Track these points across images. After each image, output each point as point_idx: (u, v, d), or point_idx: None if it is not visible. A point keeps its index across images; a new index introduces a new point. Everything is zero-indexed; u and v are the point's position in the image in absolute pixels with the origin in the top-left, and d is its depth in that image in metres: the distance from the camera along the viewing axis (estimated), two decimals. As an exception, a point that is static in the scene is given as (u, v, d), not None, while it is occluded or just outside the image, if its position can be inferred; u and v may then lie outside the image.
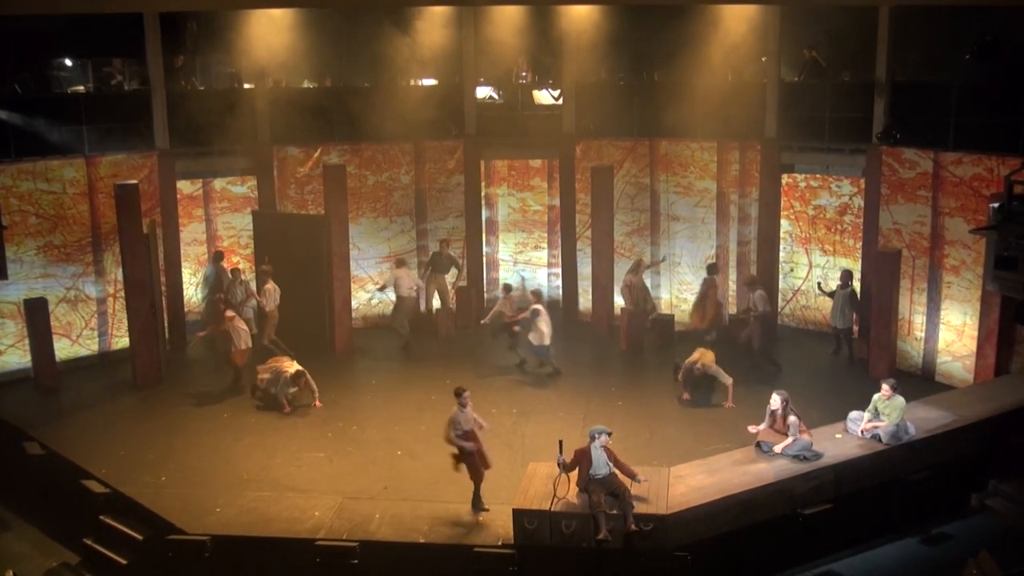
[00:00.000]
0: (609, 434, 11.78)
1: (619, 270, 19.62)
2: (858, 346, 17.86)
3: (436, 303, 19.95)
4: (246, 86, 19.78)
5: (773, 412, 12.87)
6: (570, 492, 11.76)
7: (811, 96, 18.40)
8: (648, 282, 19.39)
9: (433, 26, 19.24)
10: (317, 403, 16.14)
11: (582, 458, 11.68)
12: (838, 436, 13.17)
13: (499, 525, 12.04)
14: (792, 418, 12.70)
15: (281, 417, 15.76)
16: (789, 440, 12.60)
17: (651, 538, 11.39)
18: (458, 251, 20.49)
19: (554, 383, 17.07)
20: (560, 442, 11.82)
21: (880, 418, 13.00)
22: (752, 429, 13.20)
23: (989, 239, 14.96)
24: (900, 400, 12.96)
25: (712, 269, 18.77)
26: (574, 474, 11.80)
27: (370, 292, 19.99)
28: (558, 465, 11.72)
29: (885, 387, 13.07)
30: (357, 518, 12.39)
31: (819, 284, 18.38)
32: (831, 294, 17.82)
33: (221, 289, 18.50)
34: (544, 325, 17.05)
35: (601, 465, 11.64)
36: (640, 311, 18.67)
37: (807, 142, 18.59)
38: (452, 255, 19.86)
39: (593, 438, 11.71)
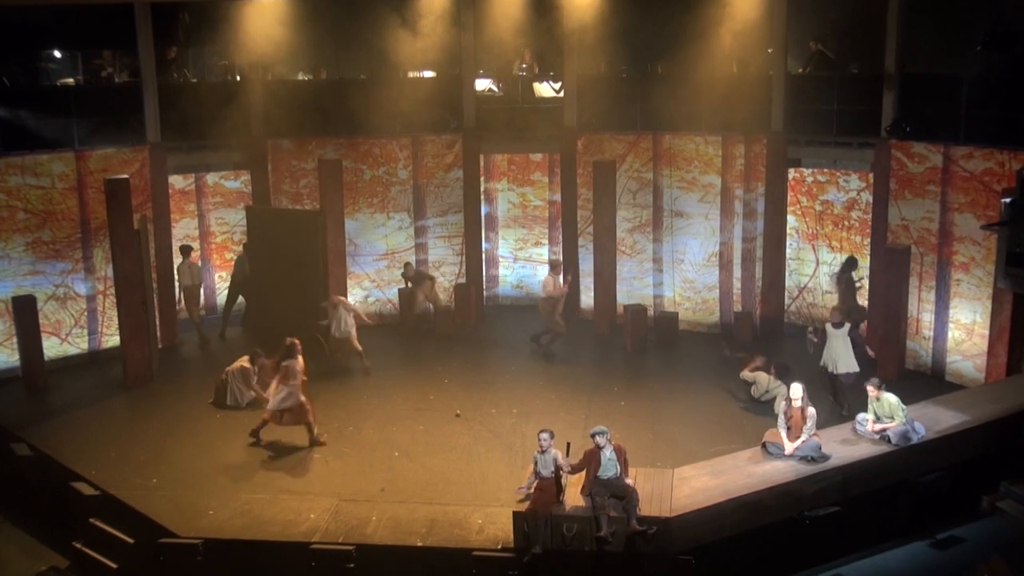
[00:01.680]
0: (602, 433, 11.75)
1: (621, 267, 19.62)
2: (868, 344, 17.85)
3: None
4: (240, 78, 19.76)
5: (790, 404, 12.81)
6: (573, 495, 11.74)
7: (818, 89, 18.36)
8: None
9: (431, 16, 19.20)
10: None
11: (591, 459, 11.66)
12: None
13: (498, 528, 12.02)
14: (811, 409, 12.71)
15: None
16: (805, 437, 12.59)
17: (654, 541, 11.36)
18: (457, 247, 20.47)
19: (556, 383, 17.05)
20: (568, 444, 11.80)
21: (883, 419, 12.99)
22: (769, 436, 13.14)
23: (1000, 235, 14.97)
24: (891, 398, 12.96)
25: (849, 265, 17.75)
26: (578, 477, 11.78)
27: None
28: (567, 467, 11.70)
29: (869, 389, 13.11)
30: (353, 521, 12.37)
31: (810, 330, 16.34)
32: (815, 333, 15.69)
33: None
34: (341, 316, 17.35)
35: (610, 467, 11.62)
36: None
37: (814, 136, 18.55)
38: (421, 271, 19.78)
39: (596, 440, 11.69)
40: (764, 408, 15.29)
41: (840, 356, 15.12)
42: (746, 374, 16.04)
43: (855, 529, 12.34)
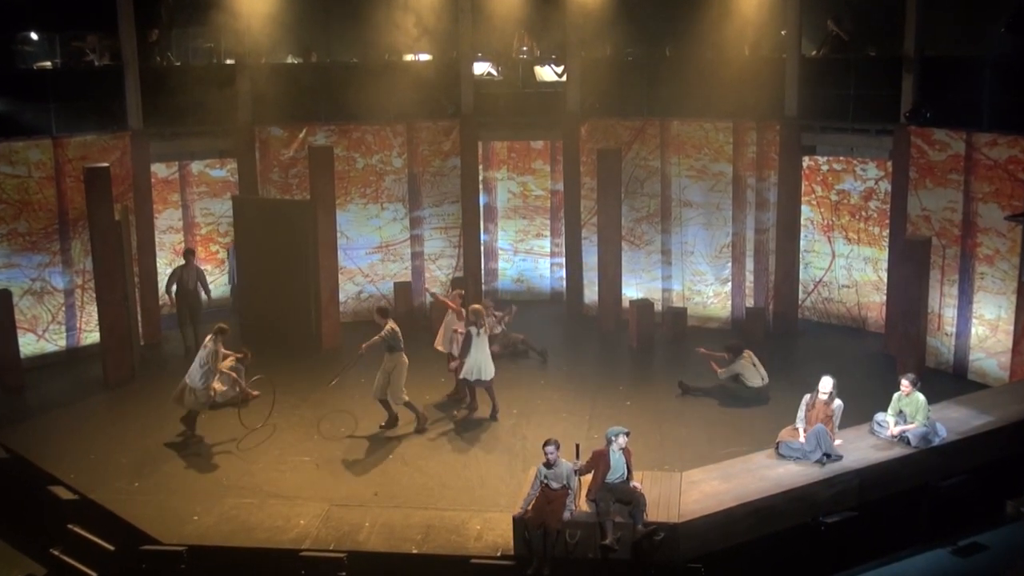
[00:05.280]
0: (627, 434, 11.72)
1: (627, 260, 19.58)
2: (886, 342, 17.83)
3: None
4: (226, 62, 19.71)
5: (816, 395, 12.83)
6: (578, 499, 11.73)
7: (834, 72, 18.33)
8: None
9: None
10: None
11: (599, 461, 11.63)
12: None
13: (498, 534, 12.00)
14: (838, 402, 12.83)
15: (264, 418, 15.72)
16: (835, 440, 12.68)
17: (661, 548, 11.34)
18: (454, 239, 20.43)
19: (558, 382, 17.02)
20: (577, 446, 11.76)
21: (905, 419, 12.98)
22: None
23: (1026, 226, 14.96)
24: (920, 397, 12.96)
25: None
26: (585, 479, 11.76)
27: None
28: (574, 471, 11.67)
29: (904, 383, 13.10)
30: (345, 527, 12.36)
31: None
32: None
33: None
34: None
35: (618, 469, 11.59)
36: None
37: (830, 122, 18.52)
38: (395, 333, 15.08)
39: (610, 440, 11.65)
40: (774, 409, 15.27)
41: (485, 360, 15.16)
42: (723, 373, 16.09)
43: (873, 536, 12.33)
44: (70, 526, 12.95)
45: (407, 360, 14.97)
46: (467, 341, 15.11)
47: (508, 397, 16.30)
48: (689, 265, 19.80)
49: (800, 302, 19.54)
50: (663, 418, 15.52)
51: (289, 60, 20.74)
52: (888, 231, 18.10)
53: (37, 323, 17.84)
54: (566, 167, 20.30)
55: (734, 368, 15.96)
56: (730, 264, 19.43)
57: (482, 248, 20.95)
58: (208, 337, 14.98)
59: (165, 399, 16.25)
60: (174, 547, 11.98)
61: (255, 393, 16.09)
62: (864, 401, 14.46)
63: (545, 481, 11.54)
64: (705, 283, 19.70)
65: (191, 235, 20.27)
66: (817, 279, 19.60)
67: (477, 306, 15.67)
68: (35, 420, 15.74)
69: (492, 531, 12.12)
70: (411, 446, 14.73)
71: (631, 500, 11.42)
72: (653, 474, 12.50)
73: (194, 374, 14.75)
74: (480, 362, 15.15)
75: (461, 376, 15.39)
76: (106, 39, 18.69)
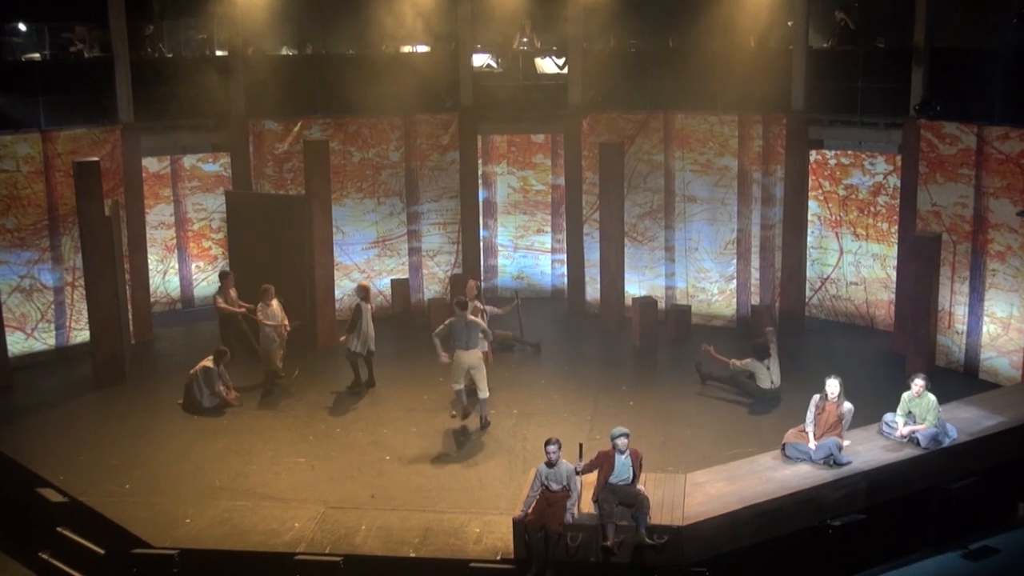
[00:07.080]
0: (627, 435, 11.70)
1: (630, 256, 19.55)
2: (895, 340, 17.83)
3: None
4: (219, 53, 19.68)
5: (824, 398, 12.82)
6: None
7: (842, 64, 18.29)
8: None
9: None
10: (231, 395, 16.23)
11: (604, 462, 11.62)
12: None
13: (497, 537, 11.99)
14: (848, 404, 12.80)
15: (257, 419, 15.70)
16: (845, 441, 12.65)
17: (665, 552, 11.34)
18: (453, 235, 20.41)
19: (559, 382, 17.01)
20: (580, 445, 11.76)
21: (914, 420, 12.96)
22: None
23: (1038, 222, 14.95)
24: (931, 398, 12.95)
25: None
26: (588, 481, 11.74)
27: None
28: (576, 471, 11.66)
29: (917, 382, 13.09)
30: (341, 530, 12.34)
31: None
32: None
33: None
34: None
35: (623, 471, 11.58)
36: None
37: (837, 115, 18.49)
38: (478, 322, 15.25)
39: (618, 443, 11.64)
40: (780, 409, 15.26)
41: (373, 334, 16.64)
42: (738, 363, 16.15)
43: (882, 539, 12.33)
44: (59, 529, 12.93)
45: (454, 359, 15.02)
46: (356, 314, 16.45)
47: (508, 397, 16.30)
48: (693, 262, 19.78)
49: (807, 299, 19.52)
50: (667, 418, 15.51)
51: (284, 52, 20.70)
52: (897, 227, 18.09)
53: (26, 321, 17.82)
54: (567, 161, 20.29)
55: (751, 366, 15.93)
56: (735, 261, 19.41)
57: (481, 244, 20.94)
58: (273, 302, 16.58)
59: (157, 399, 16.31)
60: (166, 550, 11.96)
61: (235, 395, 16.10)
62: (872, 401, 14.46)
63: (545, 483, 11.53)
64: (710, 280, 19.68)
65: (183, 231, 20.26)
66: (824, 276, 19.59)
67: (364, 283, 17.27)
68: (24, 420, 15.71)
69: (491, 534, 12.11)
70: (409, 447, 14.71)
71: (634, 503, 11.40)
72: (656, 476, 12.50)
73: (265, 340, 16.47)
74: (368, 335, 16.45)
75: (351, 349, 16.48)
76: (96, 30, 18.66)
